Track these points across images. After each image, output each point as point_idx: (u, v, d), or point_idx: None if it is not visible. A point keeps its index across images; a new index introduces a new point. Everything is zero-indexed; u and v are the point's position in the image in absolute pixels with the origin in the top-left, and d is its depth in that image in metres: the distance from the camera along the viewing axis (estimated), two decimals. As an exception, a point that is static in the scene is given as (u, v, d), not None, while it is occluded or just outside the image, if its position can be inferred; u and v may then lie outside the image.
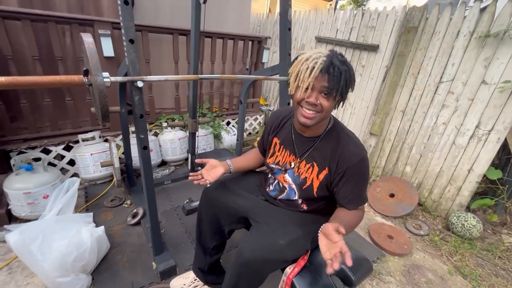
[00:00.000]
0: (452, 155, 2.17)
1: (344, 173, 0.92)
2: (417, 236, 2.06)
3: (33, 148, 2.02)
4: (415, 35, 2.27)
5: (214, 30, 2.69)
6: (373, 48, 2.56)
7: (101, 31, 1.99)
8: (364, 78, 2.72)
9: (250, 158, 1.27)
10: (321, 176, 0.98)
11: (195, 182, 1.09)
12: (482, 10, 1.95)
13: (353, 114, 2.87)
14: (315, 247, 1.11)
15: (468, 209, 2.20)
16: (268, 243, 0.91)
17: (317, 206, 1.07)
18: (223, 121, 3.12)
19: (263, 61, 3.21)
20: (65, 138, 2.16)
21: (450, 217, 2.11)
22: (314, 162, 1.00)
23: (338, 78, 0.80)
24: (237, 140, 2.23)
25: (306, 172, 1.02)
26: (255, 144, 3.16)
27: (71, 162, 2.21)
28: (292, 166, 1.06)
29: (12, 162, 1.64)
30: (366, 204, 2.40)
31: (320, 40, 3.09)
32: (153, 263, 1.47)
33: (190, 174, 1.12)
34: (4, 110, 1.89)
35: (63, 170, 2.21)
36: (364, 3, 12.34)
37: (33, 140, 2.04)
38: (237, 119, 2.92)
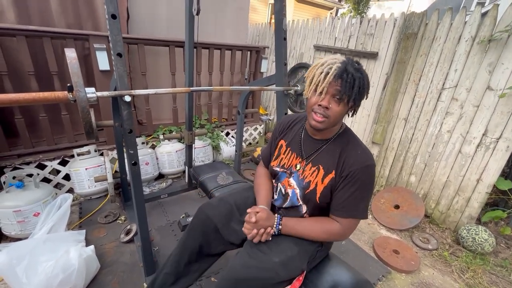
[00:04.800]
0: (458, 164, 2.07)
1: (346, 177, 0.89)
2: (425, 251, 1.95)
3: (28, 163, 1.99)
4: (414, 41, 2.22)
5: (211, 41, 2.69)
6: (373, 56, 2.51)
7: (96, 45, 1.99)
8: (364, 86, 2.66)
9: (269, 181, 1.13)
10: (326, 180, 0.93)
11: (263, 239, 0.94)
12: (484, 14, 1.90)
13: (354, 123, 2.81)
14: (312, 268, 1.04)
15: (478, 221, 2.08)
16: (262, 260, 0.86)
17: (320, 215, 1.00)
18: (222, 131, 3.07)
19: (262, 70, 3.19)
20: (60, 152, 2.13)
21: (460, 230, 2.00)
22: (320, 165, 0.96)
23: (351, 84, 0.82)
24: (236, 151, 2.18)
25: (311, 175, 0.97)
26: (255, 154, 3.10)
27: (67, 177, 2.17)
28: (298, 168, 1.01)
29: (2, 179, 1.61)
30: (370, 216, 2.32)
31: (318, 48, 3.06)
32: (144, 284, 1.40)
33: (245, 231, 0.95)
34: (-1, 126, 1.88)
35: (59, 185, 2.18)
36: (365, 10, 12.44)
37: (28, 155, 2.02)
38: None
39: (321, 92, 0.85)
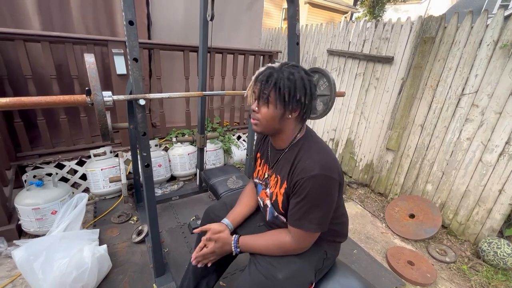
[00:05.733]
0: (479, 174, 1.98)
1: (293, 187, 0.85)
2: (442, 263, 1.87)
3: (48, 163, 2.08)
4: (432, 45, 2.15)
5: (224, 46, 2.72)
6: (388, 60, 2.46)
7: (114, 50, 2.06)
8: (378, 91, 2.61)
9: (248, 199, 1.12)
10: (282, 190, 0.91)
11: (198, 264, 0.99)
12: (507, 17, 1.82)
13: (368, 128, 2.75)
14: (321, 278, 1.02)
15: (501, 233, 1.97)
16: (264, 280, 0.83)
17: None
18: (233, 135, 3.09)
19: (274, 75, 3.19)
20: (78, 153, 2.21)
21: (480, 242, 1.90)
22: (278, 175, 0.94)
23: (267, 85, 0.83)
24: (247, 154, 2.19)
25: (274, 186, 0.96)
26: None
27: (84, 177, 2.25)
28: (266, 176, 1.01)
29: (24, 178, 1.68)
30: (384, 225, 2.25)
31: (332, 53, 3.03)
32: (154, 285, 1.41)
33: (192, 258, 1.00)
34: (22, 127, 1.97)
35: (76, 185, 2.26)
36: (381, 14, 12.23)
37: (48, 155, 2.11)
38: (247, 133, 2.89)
39: (248, 96, 0.90)
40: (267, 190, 1.00)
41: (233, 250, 0.96)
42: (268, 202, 0.99)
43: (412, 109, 2.34)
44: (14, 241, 1.53)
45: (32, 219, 1.63)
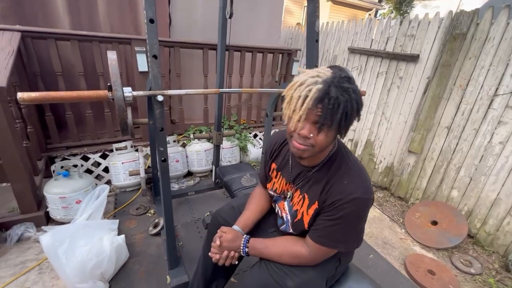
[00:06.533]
0: (512, 181, 1.84)
1: (328, 206, 0.80)
2: (467, 275, 1.75)
3: (74, 155, 2.20)
4: (463, 42, 2.02)
5: (243, 43, 2.73)
6: (413, 58, 2.34)
7: (137, 48, 2.14)
8: (402, 91, 2.49)
9: (257, 204, 1.09)
10: (311, 211, 0.85)
11: (227, 263, 0.94)
12: (550, 11, 1.66)
13: (389, 130, 2.64)
14: (334, 282, 0.99)
15: (535, 247, 1.82)
16: (275, 283, 0.81)
17: None
18: (250, 133, 3.10)
19: (293, 73, 3.15)
20: (102, 146, 2.32)
21: (511, 255, 1.76)
22: (305, 194, 0.88)
23: (335, 110, 0.67)
24: (263, 153, 2.18)
25: (298, 203, 0.90)
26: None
27: (106, 169, 2.36)
28: (288, 196, 0.94)
29: (52, 168, 1.79)
30: (403, 230, 2.15)
31: (353, 51, 2.94)
32: (168, 276, 1.45)
33: (210, 255, 0.95)
34: (53, 120, 2.10)
35: (99, 177, 2.37)
36: (408, 11, 11.66)
37: (75, 148, 2.23)
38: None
39: (298, 120, 0.70)
40: (285, 204, 0.96)
41: (241, 249, 0.92)
42: (285, 216, 0.95)
43: (438, 110, 2.21)
44: (42, 227, 1.64)
45: (59, 207, 1.74)
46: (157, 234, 1.79)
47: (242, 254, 0.93)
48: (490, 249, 1.95)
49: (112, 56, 1.04)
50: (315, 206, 0.84)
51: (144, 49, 2.16)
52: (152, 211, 2.05)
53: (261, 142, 3.06)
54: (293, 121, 0.72)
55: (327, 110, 0.67)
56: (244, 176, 1.81)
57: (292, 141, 0.78)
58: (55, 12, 2.16)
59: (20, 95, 0.90)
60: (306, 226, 0.87)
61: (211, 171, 2.71)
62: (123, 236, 1.55)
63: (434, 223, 2.11)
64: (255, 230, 1.07)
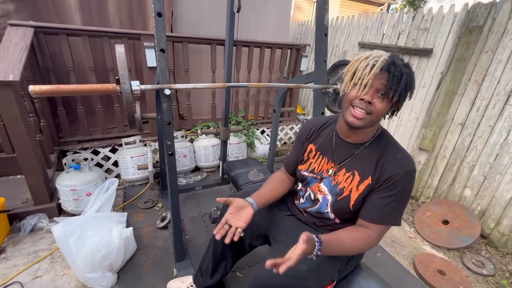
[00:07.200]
0: (529, 180, 1.76)
1: (384, 182, 0.83)
2: (478, 276, 1.71)
3: (85, 149, 2.25)
4: (479, 36, 1.94)
5: (251, 39, 2.71)
6: (426, 53, 2.27)
7: (146, 43, 2.15)
8: (414, 86, 2.42)
9: (274, 185, 1.10)
10: (362, 187, 0.86)
11: (226, 240, 0.88)
12: None
13: (399, 126, 2.58)
14: (342, 278, 0.98)
15: (552, 249, 1.75)
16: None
17: (351, 219, 0.94)
18: (257, 129, 3.09)
19: (301, 69, 3.12)
20: (111, 141, 2.36)
21: (526, 256, 1.70)
22: (355, 171, 0.89)
23: (398, 79, 0.75)
24: (270, 149, 2.18)
25: (345, 181, 0.90)
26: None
27: (116, 164, 2.40)
28: (330, 173, 0.95)
29: (64, 161, 1.84)
30: (412, 229, 2.10)
31: (363, 46, 2.88)
32: (174, 269, 1.47)
33: (215, 231, 0.92)
34: (65, 115, 2.15)
35: (109, 170, 2.42)
36: (422, 5, 11.31)
37: (85, 142, 2.28)
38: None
39: (365, 86, 0.77)
40: (322, 185, 0.96)
41: (314, 253, 0.77)
42: (321, 196, 0.96)
43: (451, 106, 2.14)
44: (55, 218, 1.69)
45: (70, 199, 1.78)
46: (165, 227, 1.81)
47: (314, 258, 0.78)
48: (504, 250, 1.89)
49: (120, 49, 1.04)
50: (367, 181, 0.86)
51: (153, 44, 2.18)
52: (160, 205, 2.07)
53: (269, 139, 3.05)
54: (357, 88, 0.79)
55: (393, 78, 0.75)
56: (251, 171, 1.81)
57: (350, 110, 0.82)
58: (67, 8, 2.20)
59: (31, 88, 0.92)
60: (351, 203, 0.88)
61: (218, 166, 2.72)
62: (131, 228, 1.58)
63: (445, 222, 2.05)
64: (269, 213, 1.09)
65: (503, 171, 1.88)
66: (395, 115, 0.85)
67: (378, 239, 0.86)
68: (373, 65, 0.77)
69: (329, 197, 0.94)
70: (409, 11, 2.42)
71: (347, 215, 0.92)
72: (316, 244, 0.79)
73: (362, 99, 0.79)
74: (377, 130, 0.90)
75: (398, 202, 0.83)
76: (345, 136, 0.92)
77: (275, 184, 1.10)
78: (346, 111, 0.84)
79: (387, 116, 0.86)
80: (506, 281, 1.64)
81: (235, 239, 0.90)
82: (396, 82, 0.75)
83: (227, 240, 0.88)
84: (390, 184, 0.82)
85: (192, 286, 1.28)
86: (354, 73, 0.81)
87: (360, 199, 0.87)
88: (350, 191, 0.89)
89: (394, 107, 0.82)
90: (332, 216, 0.95)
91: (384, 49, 2.64)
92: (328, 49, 3.35)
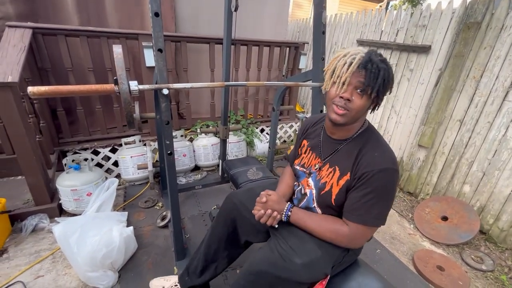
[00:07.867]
0: (527, 175, 1.77)
1: (359, 179, 0.84)
2: (477, 271, 1.71)
3: (85, 149, 2.26)
4: (477, 32, 1.94)
5: (249, 37, 2.71)
6: (424, 50, 2.27)
7: (144, 43, 2.16)
8: (412, 83, 2.42)
9: (289, 180, 1.13)
10: (341, 182, 0.88)
11: (269, 222, 0.94)
12: None
13: (398, 123, 2.58)
14: (336, 274, 0.99)
15: (551, 244, 1.76)
16: (283, 260, 0.84)
17: (337, 215, 0.95)
18: (257, 128, 3.09)
19: (300, 67, 3.12)
20: (111, 141, 2.37)
21: (524, 252, 1.71)
22: (336, 166, 0.91)
23: (375, 75, 0.77)
24: (269, 148, 2.18)
25: (327, 176, 0.93)
26: (289, 152, 3.06)
27: (116, 164, 2.41)
28: (316, 168, 0.98)
29: (64, 161, 1.85)
30: (412, 226, 2.11)
31: (362, 43, 2.87)
32: (175, 267, 1.48)
33: (254, 211, 0.97)
34: (64, 116, 2.16)
35: (109, 170, 2.43)
36: (421, 1, 11.26)
37: (85, 142, 2.29)
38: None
39: (343, 83, 0.80)
40: (310, 180, 0.99)
41: (284, 212, 0.94)
42: (308, 191, 0.99)
43: (450, 102, 2.15)
44: (56, 218, 1.70)
45: (71, 199, 1.79)
46: (165, 226, 1.82)
47: (283, 219, 0.95)
48: (503, 245, 1.89)
49: (117, 49, 1.05)
50: (346, 177, 0.87)
51: (151, 44, 2.17)
52: (160, 204, 2.08)
53: (268, 137, 3.05)
54: (336, 87, 0.82)
55: (370, 75, 0.77)
56: (250, 169, 1.82)
57: (332, 107, 0.85)
58: (65, 8, 2.20)
59: (30, 89, 0.92)
60: (333, 197, 0.90)
61: (218, 165, 2.73)
62: (131, 227, 1.59)
63: (445, 218, 2.06)
64: None
65: (502, 167, 1.89)
66: (377, 110, 0.87)
67: (355, 238, 0.86)
68: (351, 63, 0.79)
69: (314, 191, 0.96)
70: (408, 8, 2.42)
71: (332, 211, 0.94)
72: (287, 205, 0.95)
73: (341, 97, 0.81)
74: (361, 126, 0.92)
75: (377, 201, 0.82)
76: (330, 132, 0.96)
77: (290, 179, 1.13)
78: (329, 109, 0.87)
79: (369, 111, 0.88)
80: (505, 276, 1.65)
81: (269, 223, 0.94)
82: (374, 79, 0.77)
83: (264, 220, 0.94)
84: (364, 181, 0.82)
85: (176, 285, 1.28)
86: (333, 71, 0.83)
87: (341, 194, 0.89)
88: (332, 186, 0.91)
89: (375, 103, 0.84)
90: (319, 211, 0.97)
91: (383, 46, 2.64)
92: (327, 47, 3.35)
